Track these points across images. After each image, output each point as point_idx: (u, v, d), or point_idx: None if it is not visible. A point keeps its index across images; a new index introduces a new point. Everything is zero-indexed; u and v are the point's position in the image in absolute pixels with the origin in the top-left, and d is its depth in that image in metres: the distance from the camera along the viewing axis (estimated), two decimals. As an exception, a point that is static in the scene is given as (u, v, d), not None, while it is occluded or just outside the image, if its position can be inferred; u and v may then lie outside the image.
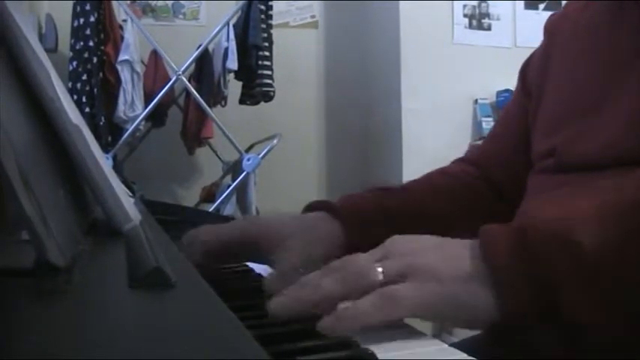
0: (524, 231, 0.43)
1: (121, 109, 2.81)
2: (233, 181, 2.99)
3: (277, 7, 3.32)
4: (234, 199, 2.99)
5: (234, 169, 3.14)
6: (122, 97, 2.81)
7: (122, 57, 2.81)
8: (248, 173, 2.87)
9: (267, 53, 3.05)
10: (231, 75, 3.06)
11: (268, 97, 3.13)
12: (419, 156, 3.28)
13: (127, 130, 2.84)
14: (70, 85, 2.77)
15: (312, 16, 3.77)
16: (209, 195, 3.17)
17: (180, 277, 0.37)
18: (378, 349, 0.39)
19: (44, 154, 0.42)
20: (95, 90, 2.78)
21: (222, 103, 3.13)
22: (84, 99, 2.76)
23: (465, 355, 0.39)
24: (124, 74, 2.81)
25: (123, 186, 0.59)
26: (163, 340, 0.27)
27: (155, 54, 3.02)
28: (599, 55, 0.66)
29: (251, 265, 0.70)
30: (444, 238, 0.47)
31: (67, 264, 0.36)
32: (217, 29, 2.91)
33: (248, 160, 2.86)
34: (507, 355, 0.46)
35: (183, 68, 2.86)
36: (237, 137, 2.93)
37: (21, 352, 0.24)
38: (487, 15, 3.49)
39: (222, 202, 2.89)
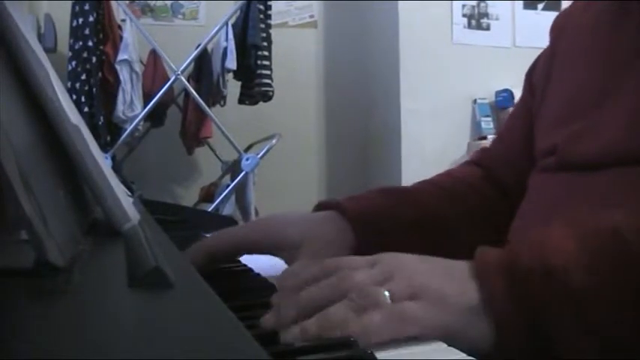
0: (514, 262, 0.43)
1: (120, 109, 2.81)
2: (232, 180, 2.99)
3: (276, 7, 3.32)
4: (233, 198, 2.99)
5: (233, 168, 3.14)
6: (121, 96, 2.81)
7: (121, 57, 2.81)
8: (247, 173, 2.87)
9: (266, 53, 3.06)
10: (230, 75, 3.07)
11: (267, 97, 3.14)
12: (418, 155, 3.28)
13: (126, 129, 2.84)
14: (69, 84, 2.77)
15: (311, 16, 3.77)
16: (208, 195, 3.18)
17: (179, 276, 0.37)
18: (377, 349, 0.39)
19: (43, 154, 0.42)
20: (94, 90, 2.78)
21: (221, 102, 3.14)
22: (83, 99, 2.76)
23: (464, 355, 0.39)
24: (123, 74, 2.81)
25: (122, 186, 0.59)
26: (163, 340, 0.27)
27: (154, 54, 3.02)
28: (600, 54, 0.66)
29: (251, 265, 0.70)
30: (438, 260, 0.47)
31: (67, 264, 0.36)
32: (216, 29, 2.91)
33: (247, 159, 2.86)
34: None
35: (182, 68, 2.86)
36: (236, 137, 2.94)
37: (20, 352, 0.24)
38: (486, 15, 3.49)
39: (221, 201, 2.90)
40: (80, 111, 2.65)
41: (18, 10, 0.42)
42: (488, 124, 3.36)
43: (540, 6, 3.51)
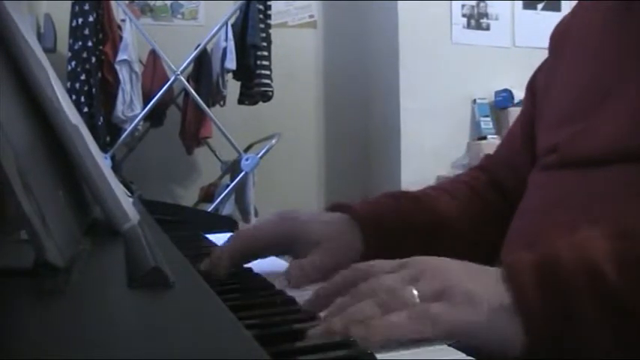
0: (550, 266, 0.43)
1: (120, 109, 2.81)
2: (232, 180, 2.99)
3: (276, 7, 3.32)
4: (232, 198, 2.99)
5: (232, 168, 3.14)
6: (121, 97, 2.81)
7: (121, 57, 2.81)
8: (247, 173, 2.87)
9: (265, 53, 3.05)
10: (230, 75, 3.06)
11: (267, 97, 3.13)
12: (417, 155, 3.28)
13: (126, 130, 2.84)
14: (68, 85, 2.77)
15: (311, 16, 3.77)
16: (208, 195, 3.17)
17: (179, 276, 0.37)
18: (389, 349, 0.39)
19: (43, 154, 0.42)
20: (94, 90, 2.78)
21: (221, 102, 3.14)
22: (82, 99, 2.76)
23: (464, 355, 0.39)
24: (123, 74, 2.81)
25: (121, 186, 0.59)
26: (162, 340, 0.27)
27: (154, 54, 3.02)
28: (604, 53, 0.67)
29: (251, 265, 0.70)
30: (469, 263, 0.47)
31: (66, 264, 0.36)
32: (216, 29, 2.91)
33: (247, 159, 2.86)
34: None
35: (181, 68, 2.86)
36: (235, 137, 2.93)
37: (20, 352, 0.24)
38: (485, 15, 3.49)
39: (220, 201, 2.89)
40: (80, 111, 2.65)
41: (17, 10, 0.42)
42: (487, 124, 3.36)
43: (540, 6, 3.50)
